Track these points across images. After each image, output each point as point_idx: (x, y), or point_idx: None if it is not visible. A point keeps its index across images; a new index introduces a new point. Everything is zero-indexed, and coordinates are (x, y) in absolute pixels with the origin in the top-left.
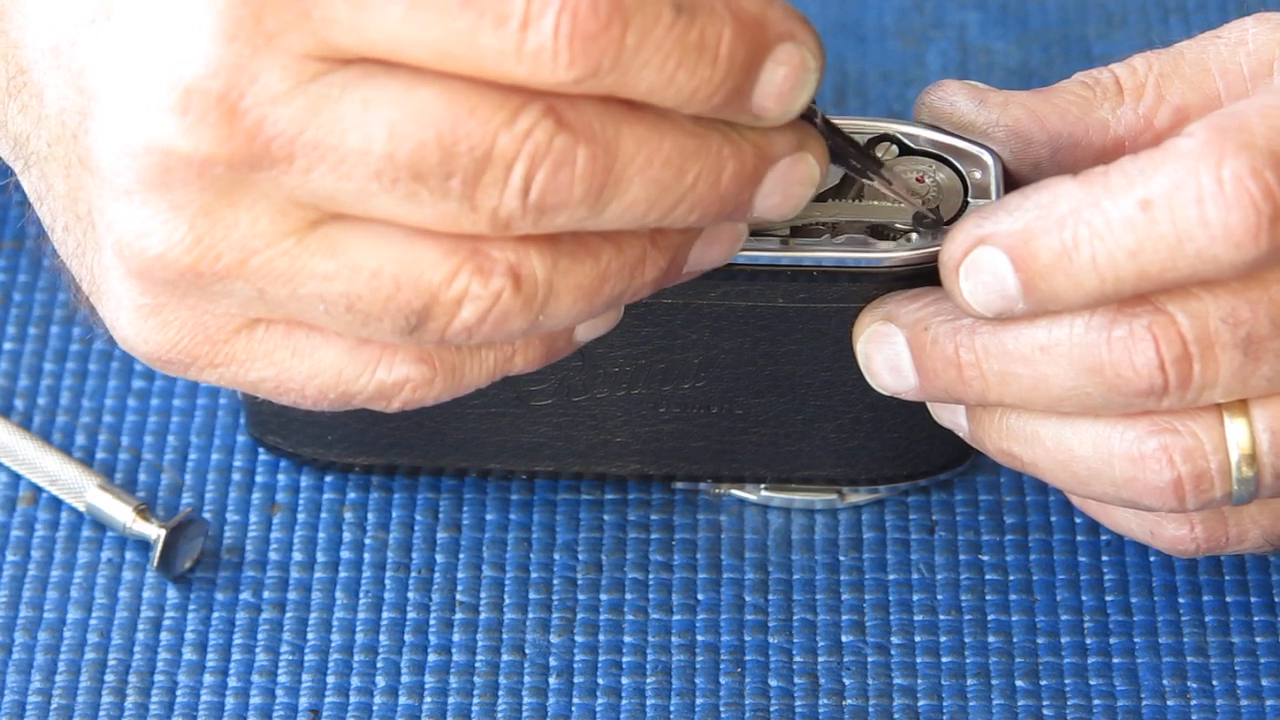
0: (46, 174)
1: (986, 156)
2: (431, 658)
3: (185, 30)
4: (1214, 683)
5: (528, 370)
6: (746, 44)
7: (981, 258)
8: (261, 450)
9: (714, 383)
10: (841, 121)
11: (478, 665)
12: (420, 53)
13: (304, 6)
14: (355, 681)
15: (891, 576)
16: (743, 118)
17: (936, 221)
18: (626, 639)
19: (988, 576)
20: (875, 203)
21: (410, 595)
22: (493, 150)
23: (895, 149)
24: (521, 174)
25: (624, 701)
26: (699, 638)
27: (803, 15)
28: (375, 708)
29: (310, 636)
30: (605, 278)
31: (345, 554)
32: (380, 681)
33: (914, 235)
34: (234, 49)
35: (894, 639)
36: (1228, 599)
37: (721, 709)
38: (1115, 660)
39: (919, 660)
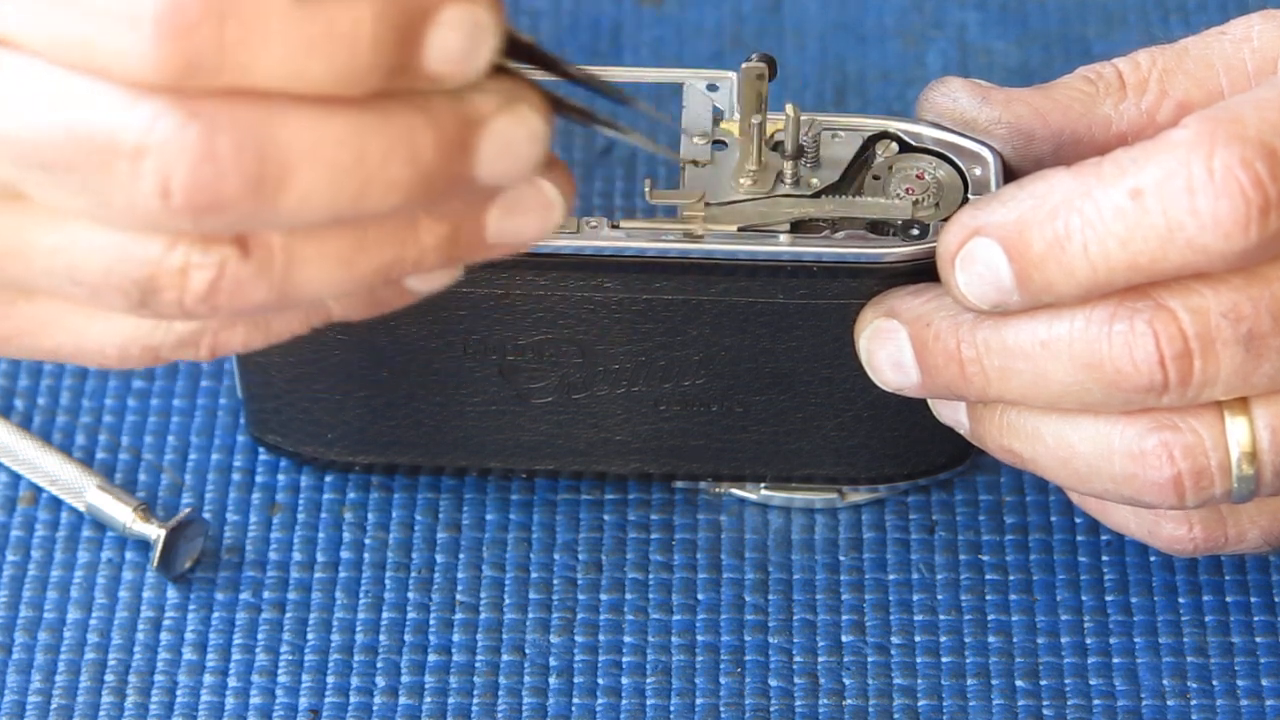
0: None
1: (987, 154)
2: (431, 658)
3: None
4: (1214, 683)
5: (350, 318)
6: (392, 23)
7: (976, 249)
8: (261, 450)
9: (714, 380)
10: (840, 120)
11: (478, 665)
12: (33, 37)
13: None
14: (355, 681)
15: (891, 576)
16: (422, 85)
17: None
18: (626, 639)
19: (988, 576)
20: (875, 199)
21: (410, 595)
22: (114, 142)
23: (895, 146)
24: (154, 169)
25: (624, 701)
26: (699, 638)
27: None
28: (375, 708)
29: (310, 636)
30: (364, 244)
31: (345, 554)
32: (380, 681)
33: (914, 230)
34: None
35: (894, 639)
36: (1228, 599)
37: (721, 709)
38: (1115, 660)
39: (919, 660)
